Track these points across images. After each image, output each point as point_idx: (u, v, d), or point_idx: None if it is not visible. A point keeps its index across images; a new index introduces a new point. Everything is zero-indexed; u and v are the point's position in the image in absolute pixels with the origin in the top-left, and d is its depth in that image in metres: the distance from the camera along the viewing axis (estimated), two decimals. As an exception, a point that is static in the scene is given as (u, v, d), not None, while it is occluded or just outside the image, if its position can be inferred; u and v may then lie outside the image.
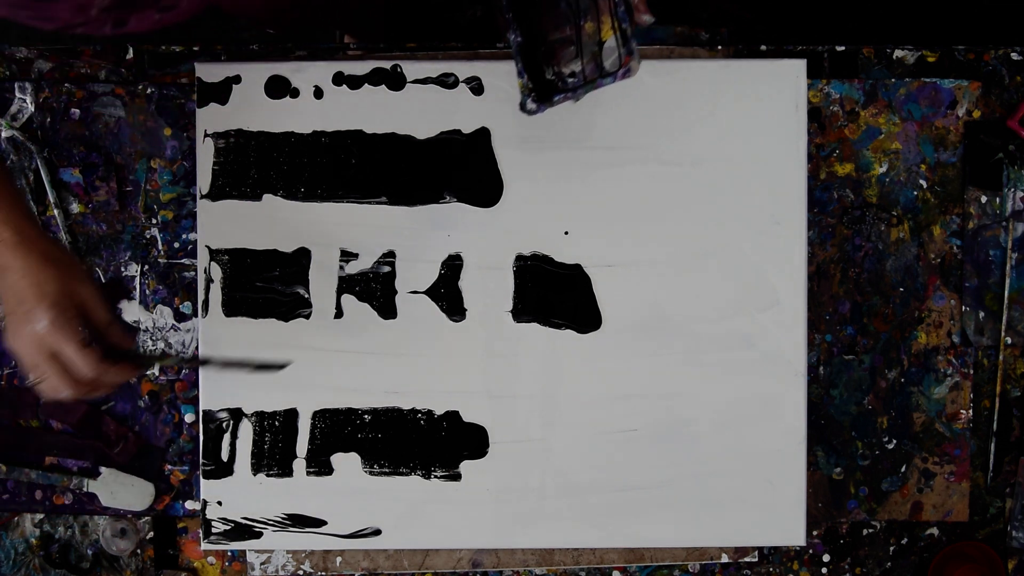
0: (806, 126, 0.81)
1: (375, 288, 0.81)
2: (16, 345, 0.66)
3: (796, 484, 0.81)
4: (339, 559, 0.84)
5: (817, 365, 0.84)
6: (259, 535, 0.81)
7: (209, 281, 0.80)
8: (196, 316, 0.83)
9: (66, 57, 0.84)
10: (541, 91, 0.69)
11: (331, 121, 0.80)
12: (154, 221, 0.84)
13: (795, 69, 0.80)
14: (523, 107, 0.69)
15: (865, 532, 0.85)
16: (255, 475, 0.81)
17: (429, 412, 0.81)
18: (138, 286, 0.84)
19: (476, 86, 0.80)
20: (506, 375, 0.81)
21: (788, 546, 0.84)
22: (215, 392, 0.81)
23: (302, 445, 0.81)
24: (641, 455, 0.81)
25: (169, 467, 0.84)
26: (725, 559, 0.84)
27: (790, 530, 0.81)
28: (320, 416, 0.81)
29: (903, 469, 0.85)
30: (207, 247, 0.81)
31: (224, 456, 0.81)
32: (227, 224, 0.81)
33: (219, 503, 0.81)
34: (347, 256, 0.81)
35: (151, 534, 0.85)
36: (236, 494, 0.81)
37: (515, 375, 0.81)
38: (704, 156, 0.80)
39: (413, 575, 0.84)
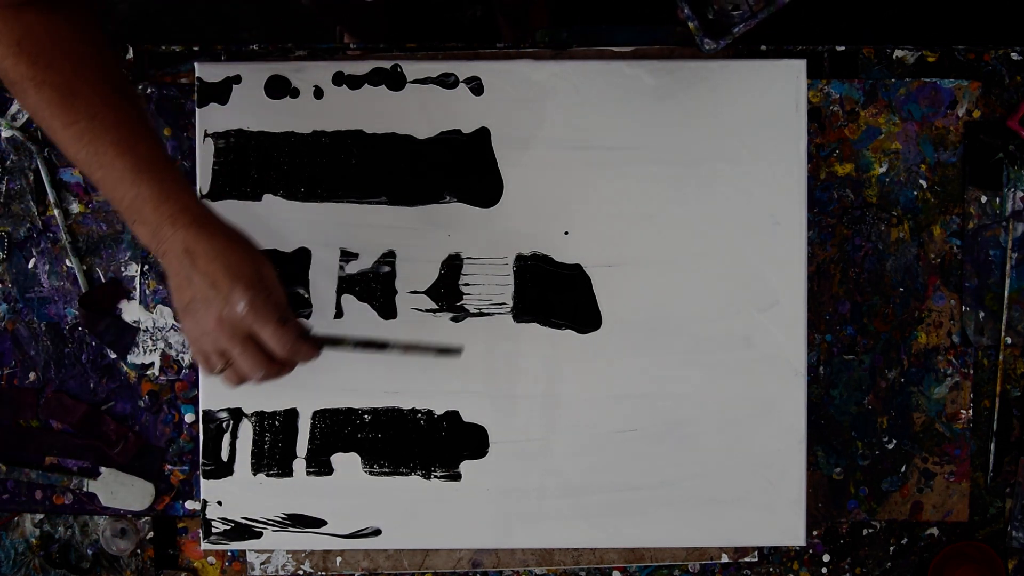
0: (806, 126, 0.81)
1: (375, 288, 0.81)
2: (205, 330, 0.65)
3: (796, 484, 0.81)
4: (339, 559, 0.84)
5: (817, 365, 0.84)
6: (259, 535, 0.81)
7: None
8: (196, 316, 0.83)
9: (66, 57, 0.84)
10: (711, 29, 0.72)
11: (331, 121, 0.80)
12: (154, 221, 0.84)
13: (795, 69, 0.80)
14: (701, 48, 0.72)
15: (865, 532, 0.85)
16: (255, 475, 0.81)
17: (429, 412, 0.81)
18: (138, 286, 0.84)
19: (476, 86, 0.80)
20: (506, 375, 0.81)
21: (788, 546, 0.84)
22: (215, 392, 0.81)
23: (302, 445, 0.81)
24: (641, 455, 0.81)
25: (169, 467, 0.84)
26: (725, 559, 0.84)
27: (790, 530, 0.81)
28: (320, 416, 0.81)
29: (903, 469, 0.85)
30: (207, 247, 0.81)
31: (224, 456, 0.81)
32: (227, 224, 0.81)
33: (219, 503, 0.81)
34: (347, 256, 0.81)
35: (151, 534, 0.85)
36: (236, 494, 0.81)
37: (515, 375, 0.81)
38: (704, 156, 0.80)
39: (413, 575, 0.84)
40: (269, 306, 0.64)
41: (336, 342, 0.72)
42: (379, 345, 0.73)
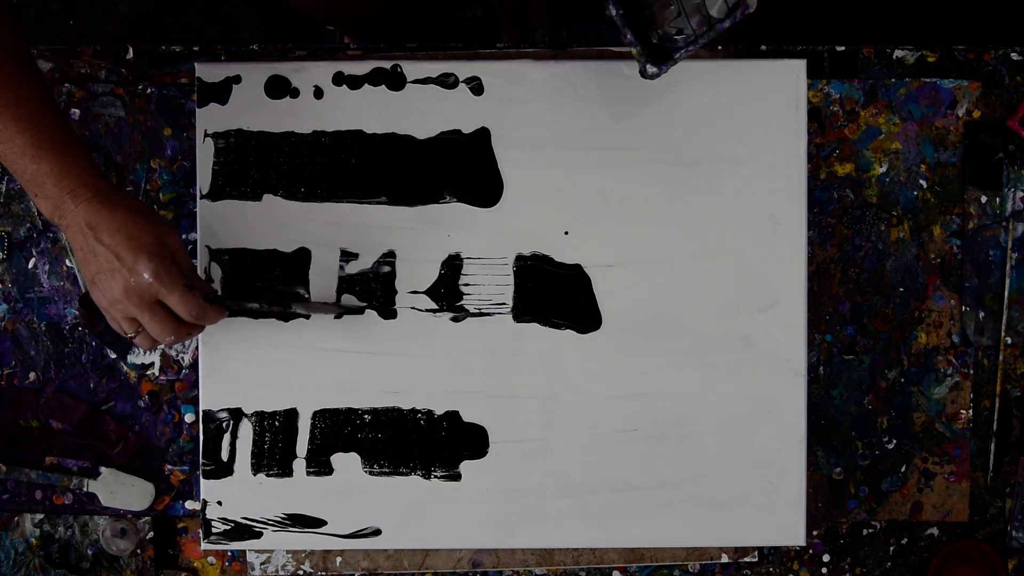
0: (806, 126, 0.81)
1: (375, 288, 0.81)
2: (112, 300, 0.68)
3: (796, 484, 0.81)
4: (339, 559, 0.84)
5: (817, 365, 0.84)
6: (259, 535, 0.81)
7: (209, 281, 0.80)
8: (196, 316, 0.83)
9: (66, 57, 0.84)
10: (655, 55, 0.71)
11: (331, 121, 0.80)
12: (154, 221, 0.84)
13: (795, 69, 0.80)
14: (643, 73, 0.71)
15: (865, 532, 0.85)
16: (255, 475, 0.81)
17: (429, 412, 0.81)
18: (138, 286, 0.84)
19: (476, 86, 0.80)
20: (506, 375, 0.81)
21: (788, 546, 0.84)
22: (215, 392, 0.81)
23: (302, 445, 0.81)
24: (641, 455, 0.81)
25: (169, 467, 0.84)
26: (725, 559, 0.84)
27: (790, 530, 0.81)
28: (320, 416, 0.81)
29: (903, 469, 0.85)
30: (207, 247, 0.81)
31: (224, 456, 0.81)
32: (227, 224, 0.81)
33: (219, 503, 0.81)
34: (347, 256, 0.81)
35: (151, 534, 0.85)
36: (236, 494, 0.81)
37: (515, 375, 0.81)
38: (704, 156, 0.80)
39: (413, 575, 0.84)
40: (173, 274, 0.67)
41: (240, 305, 0.76)
42: (283, 307, 0.77)
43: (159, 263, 0.66)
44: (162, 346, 0.71)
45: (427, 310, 0.81)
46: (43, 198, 0.66)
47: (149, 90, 0.84)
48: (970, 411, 0.85)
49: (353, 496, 0.81)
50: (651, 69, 0.71)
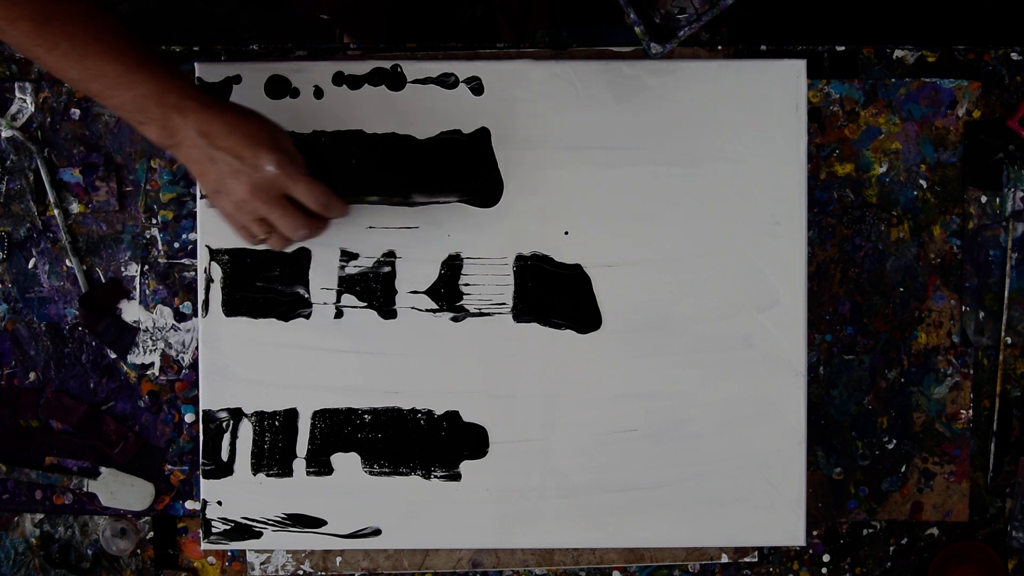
0: (806, 126, 0.81)
1: (375, 288, 0.81)
2: (239, 202, 0.67)
3: (796, 484, 0.81)
4: (339, 559, 0.84)
5: (817, 365, 0.84)
6: (259, 535, 0.81)
7: (209, 281, 0.80)
8: (196, 316, 0.83)
9: (66, 57, 0.84)
10: (658, 33, 0.72)
11: (331, 121, 0.80)
12: (154, 221, 0.84)
13: (795, 69, 0.80)
14: (648, 52, 0.72)
15: (865, 532, 0.85)
16: (255, 475, 0.81)
17: (429, 412, 0.81)
18: (138, 286, 0.84)
19: (476, 86, 0.80)
20: (506, 375, 0.81)
21: (788, 546, 0.84)
22: (215, 392, 0.81)
23: (302, 445, 0.81)
24: (641, 455, 0.81)
25: (169, 467, 0.84)
26: (725, 559, 0.84)
27: (790, 530, 0.81)
28: (320, 416, 0.81)
29: (903, 469, 0.85)
30: (207, 247, 0.81)
31: (224, 456, 0.81)
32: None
33: (219, 503, 0.81)
34: (347, 256, 0.81)
35: (151, 534, 0.85)
36: (236, 494, 0.81)
37: (515, 375, 0.81)
38: (704, 156, 0.80)
39: (413, 575, 0.84)
40: (297, 163, 0.67)
41: (360, 199, 0.76)
42: (403, 198, 0.77)
43: (281, 154, 0.66)
44: (292, 247, 0.70)
45: (427, 310, 0.81)
46: (149, 123, 0.66)
47: (149, 90, 0.84)
48: (970, 411, 0.85)
49: (353, 496, 0.81)
50: (655, 48, 0.71)
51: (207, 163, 0.66)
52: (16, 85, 0.83)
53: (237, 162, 0.66)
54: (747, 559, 0.84)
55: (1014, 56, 0.84)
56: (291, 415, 0.81)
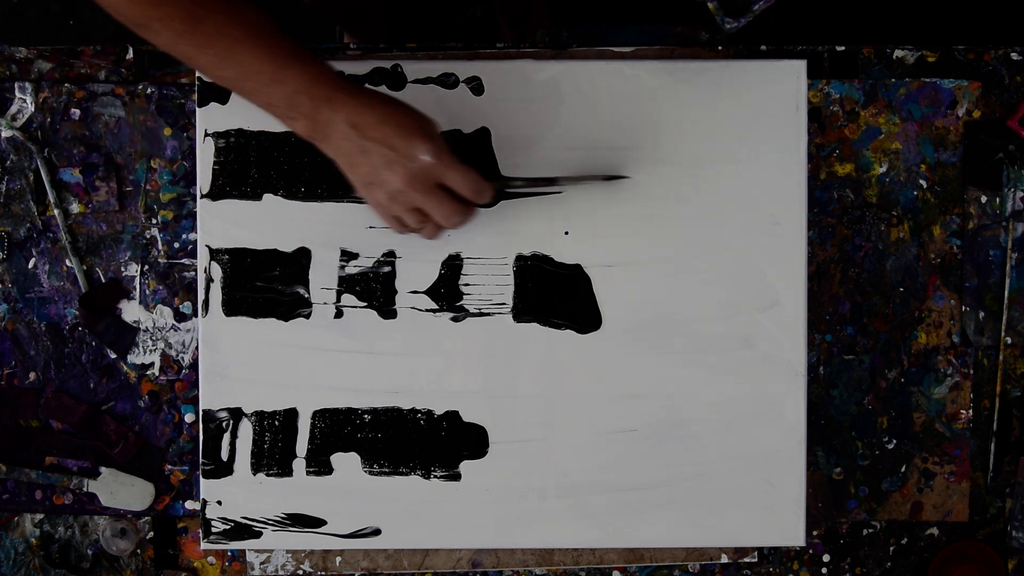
0: (806, 127, 0.81)
1: (375, 288, 0.81)
2: (394, 192, 0.66)
3: (796, 484, 0.81)
4: (339, 559, 0.84)
5: (817, 365, 0.84)
6: (259, 535, 0.81)
7: (209, 281, 0.80)
8: (196, 316, 0.84)
9: (66, 57, 0.84)
10: (732, 7, 0.70)
11: (331, 121, 0.80)
12: (154, 221, 0.84)
13: (795, 70, 0.80)
14: (721, 27, 0.70)
15: (865, 532, 0.85)
16: (255, 475, 0.81)
17: (429, 412, 0.81)
18: (138, 286, 0.84)
19: (476, 86, 0.80)
20: (506, 375, 0.81)
21: (788, 546, 0.84)
22: (215, 392, 0.81)
23: (302, 445, 0.81)
24: (641, 455, 0.81)
25: (169, 467, 0.84)
26: (725, 559, 0.84)
27: (790, 530, 0.81)
28: (320, 416, 0.81)
29: (903, 469, 0.85)
30: (207, 247, 0.81)
31: (224, 456, 0.81)
32: (227, 224, 0.81)
33: (219, 503, 0.81)
34: (347, 256, 0.81)
35: (151, 534, 0.85)
36: (236, 494, 0.81)
37: (515, 375, 0.81)
38: (704, 156, 0.80)
39: (413, 575, 0.84)
40: (450, 151, 0.66)
41: (506, 183, 0.75)
42: (548, 181, 0.76)
43: (434, 143, 0.65)
44: (440, 237, 0.71)
45: (427, 310, 0.81)
46: (299, 117, 0.66)
47: (149, 90, 0.84)
48: (970, 411, 0.85)
49: (353, 496, 0.81)
50: (729, 23, 0.70)
51: (359, 155, 0.66)
52: (16, 85, 0.83)
53: (391, 153, 0.65)
54: (747, 559, 0.84)
55: (1014, 56, 0.84)
56: (291, 415, 0.81)
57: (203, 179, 0.81)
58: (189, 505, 0.85)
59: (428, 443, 0.81)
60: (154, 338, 0.84)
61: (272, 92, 0.65)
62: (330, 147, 0.67)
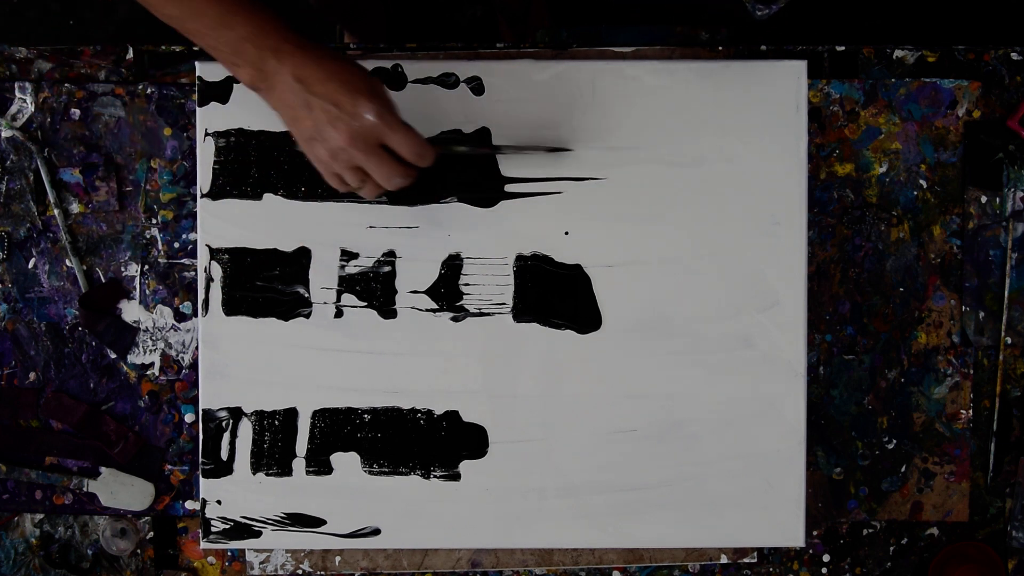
0: (807, 127, 0.81)
1: (375, 288, 0.81)
2: (336, 149, 0.66)
3: (796, 484, 0.81)
4: (338, 558, 0.84)
5: (817, 365, 0.84)
6: (258, 534, 0.81)
7: (209, 280, 0.81)
8: (196, 316, 0.84)
9: (66, 57, 0.84)
10: None
11: (331, 121, 0.80)
12: (154, 221, 0.84)
13: (796, 70, 0.80)
14: (753, 14, 0.70)
15: (865, 532, 0.85)
16: (254, 474, 0.81)
17: (429, 412, 0.81)
18: (138, 286, 0.84)
19: (476, 86, 0.80)
20: (506, 375, 0.81)
21: (787, 547, 0.84)
22: (215, 391, 0.81)
23: (301, 444, 0.81)
24: (641, 455, 0.81)
25: (169, 467, 0.84)
26: (724, 560, 0.84)
27: (789, 531, 0.81)
28: (320, 415, 0.81)
29: (903, 469, 0.85)
30: (207, 246, 0.81)
31: (223, 455, 0.81)
32: (227, 223, 0.81)
33: (218, 502, 0.81)
34: (347, 256, 0.81)
35: (151, 534, 0.85)
36: (235, 493, 0.81)
37: (515, 375, 0.81)
38: (704, 156, 0.80)
39: (412, 575, 0.84)
40: (395, 112, 0.66)
41: (449, 148, 0.75)
42: (490, 147, 0.77)
43: (379, 103, 0.65)
44: (379, 197, 0.70)
45: (427, 310, 0.81)
46: (244, 65, 0.65)
47: (149, 90, 0.84)
48: (970, 411, 0.85)
49: (352, 496, 0.81)
50: (760, 9, 0.70)
51: (303, 109, 0.65)
52: (16, 85, 0.83)
53: (335, 109, 0.64)
54: (747, 559, 0.84)
55: (1014, 56, 0.84)
56: (291, 414, 0.81)
57: (203, 179, 0.81)
58: (189, 505, 0.85)
59: (428, 443, 0.81)
60: (154, 338, 0.84)
61: (218, 36, 0.64)
62: (274, 98, 0.67)
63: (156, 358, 0.84)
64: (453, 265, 0.81)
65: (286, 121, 0.67)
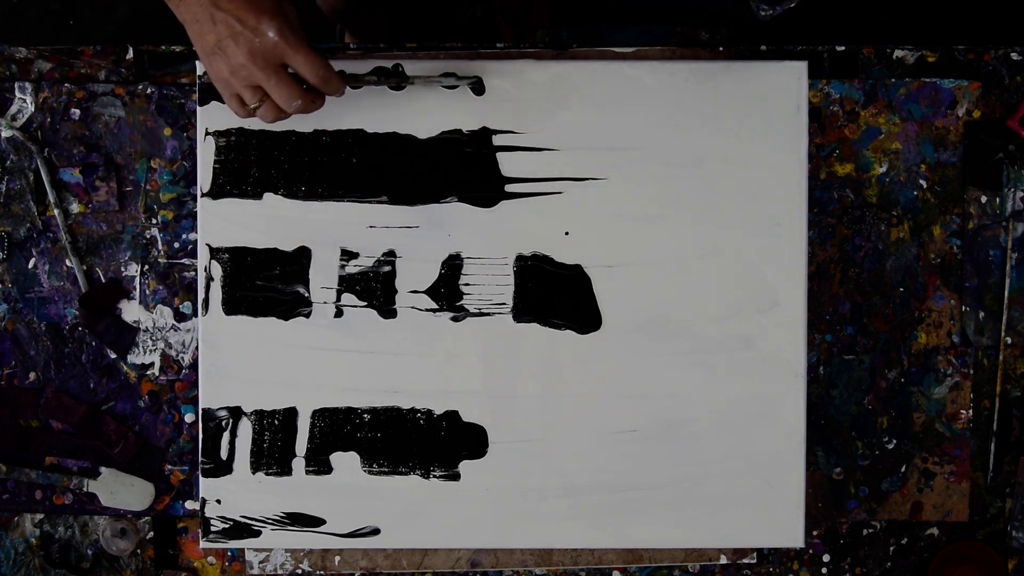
0: (807, 128, 0.81)
1: (375, 287, 0.81)
2: (236, 66, 0.66)
3: (795, 485, 0.81)
4: (338, 558, 0.84)
5: (817, 365, 0.84)
6: (258, 534, 0.81)
7: (209, 279, 0.81)
8: (196, 316, 0.84)
9: (66, 57, 0.84)
10: None
11: (332, 120, 0.80)
12: (154, 221, 0.84)
13: (796, 71, 0.80)
14: (757, 15, 0.70)
15: (865, 532, 0.85)
16: (254, 474, 0.81)
17: (429, 412, 0.81)
18: (138, 286, 0.84)
19: (476, 86, 0.80)
20: (506, 375, 0.81)
21: (787, 547, 0.84)
22: (215, 391, 0.81)
23: (301, 444, 0.81)
24: (641, 455, 0.81)
25: (169, 467, 0.84)
26: (724, 560, 0.84)
27: (789, 531, 0.81)
28: (319, 415, 0.81)
29: (903, 469, 0.85)
30: (207, 245, 0.81)
31: (223, 455, 0.81)
32: (227, 223, 0.81)
33: (218, 501, 0.81)
34: (347, 255, 0.81)
35: (151, 534, 0.85)
36: (235, 493, 0.81)
37: (515, 375, 0.81)
38: (704, 156, 0.80)
39: (412, 575, 0.84)
40: (298, 33, 0.66)
41: (359, 78, 0.76)
42: (398, 76, 0.77)
43: (282, 22, 0.65)
44: (283, 118, 0.70)
45: (427, 310, 0.81)
46: None
47: (149, 90, 0.84)
48: (970, 411, 0.85)
49: (352, 495, 0.81)
50: (764, 10, 0.69)
51: (208, 23, 0.66)
52: (16, 85, 0.83)
53: (238, 25, 0.65)
54: (746, 560, 0.84)
55: (1014, 56, 0.84)
56: (290, 414, 0.81)
57: (203, 178, 0.81)
58: (189, 505, 0.85)
59: (428, 443, 0.81)
60: (154, 338, 0.84)
61: None
62: (182, 10, 0.67)
63: (156, 358, 0.84)
64: (453, 265, 0.81)
65: (191, 35, 0.68)
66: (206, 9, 0.65)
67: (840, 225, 0.84)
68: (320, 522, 0.81)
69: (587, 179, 0.81)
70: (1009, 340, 0.84)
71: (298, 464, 0.81)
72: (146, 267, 0.84)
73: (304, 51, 0.66)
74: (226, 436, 0.81)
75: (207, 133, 0.80)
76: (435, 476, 0.81)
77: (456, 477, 0.81)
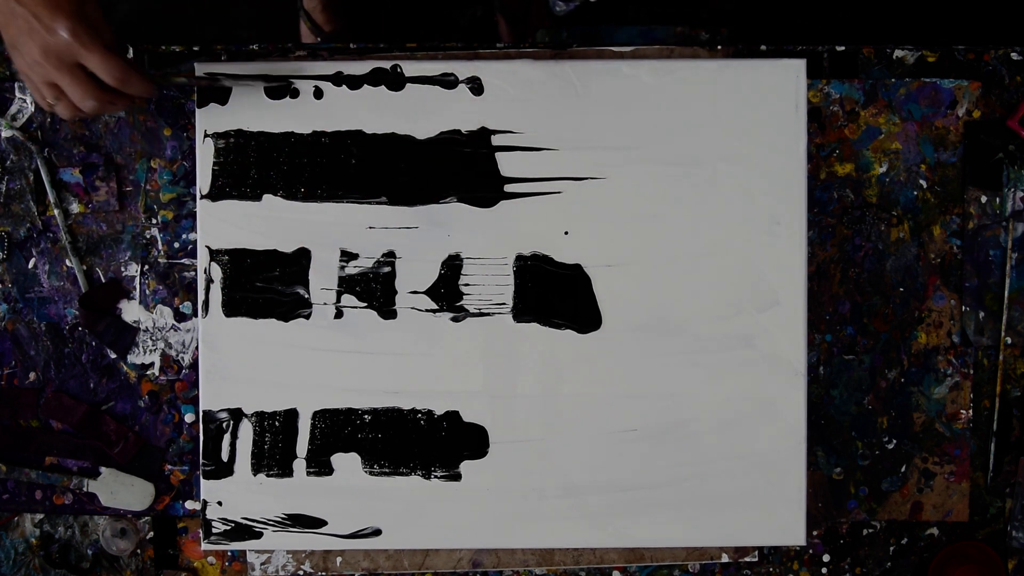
0: (806, 127, 0.81)
1: (375, 288, 0.81)
2: (32, 62, 0.67)
3: (796, 484, 0.81)
4: (339, 559, 0.84)
5: (817, 365, 0.84)
6: (259, 535, 0.81)
7: (209, 281, 0.81)
8: (196, 316, 0.84)
9: (66, 57, 0.84)
10: None
11: (331, 121, 0.80)
12: (154, 221, 0.84)
13: (795, 70, 0.80)
14: (554, 8, 0.71)
15: (865, 532, 0.85)
16: (255, 475, 0.81)
17: (429, 412, 0.81)
18: (138, 286, 0.84)
19: (476, 86, 0.80)
20: (506, 375, 0.81)
21: (788, 546, 0.84)
22: (215, 392, 0.81)
23: (302, 445, 0.81)
24: (641, 455, 0.81)
25: (169, 467, 0.84)
26: (725, 559, 0.84)
27: (790, 530, 0.81)
28: (320, 416, 0.81)
29: (903, 469, 0.85)
30: (207, 247, 0.81)
31: (224, 456, 0.81)
32: (227, 224, 0.81)
33: (219, 503, 0.81)
34: (347, 256, 0.81)
35: (151, 534, 0.85)
36: (236, 494, 0.81)
37: (515, 375, 0.81)
38: (704, 156, 0.81)
39: (413, 575, 0.84)
40: (93, 34, 0.66)
41: (167, 79, 0.77)
42: (209, 79, 0.78)
43: (78, 22, 0.65)
44: (85, 117, 0.71)
45: (427, 310, 0.81)
46: None
47: (149, 90, 0.84)
48: (970, 411, 0.85)
49: (353, 496, 0.81)
50: (560, 6, 0.71)
51: (8, 16, 0.66)
52: (16, 85, 0.83)
53: (34, 22, 0.65)
54: (747, 559, 0.84)
55: (1014, 56, 0.84)
56: (291, 415, 0.81)
57: (203, 180, 0.81)
58: (189, 505, 0.85)
59: (428, 443, 0.81)
60: (154, 338, 0.84)
61: None
62: None
63: (156, 358, 0.84)
64: (453, 265, 0.81)
65: None
66: (9, 3, 0.66)
67: (840, 225, 0.84)
68: (321, 523, 0.81)
69: (586, 179, 0.81)
70: (1009, 340, 0.84)
71: (299, 465, 0.81)
72: (146, 267, 0.84)
73: (99, 52, 0.67)
74: (227, 438, 0.81)
75: (206, 135, 0.80)
76: (436, 476, 0.81)
77: (457, 477, 0.81)
